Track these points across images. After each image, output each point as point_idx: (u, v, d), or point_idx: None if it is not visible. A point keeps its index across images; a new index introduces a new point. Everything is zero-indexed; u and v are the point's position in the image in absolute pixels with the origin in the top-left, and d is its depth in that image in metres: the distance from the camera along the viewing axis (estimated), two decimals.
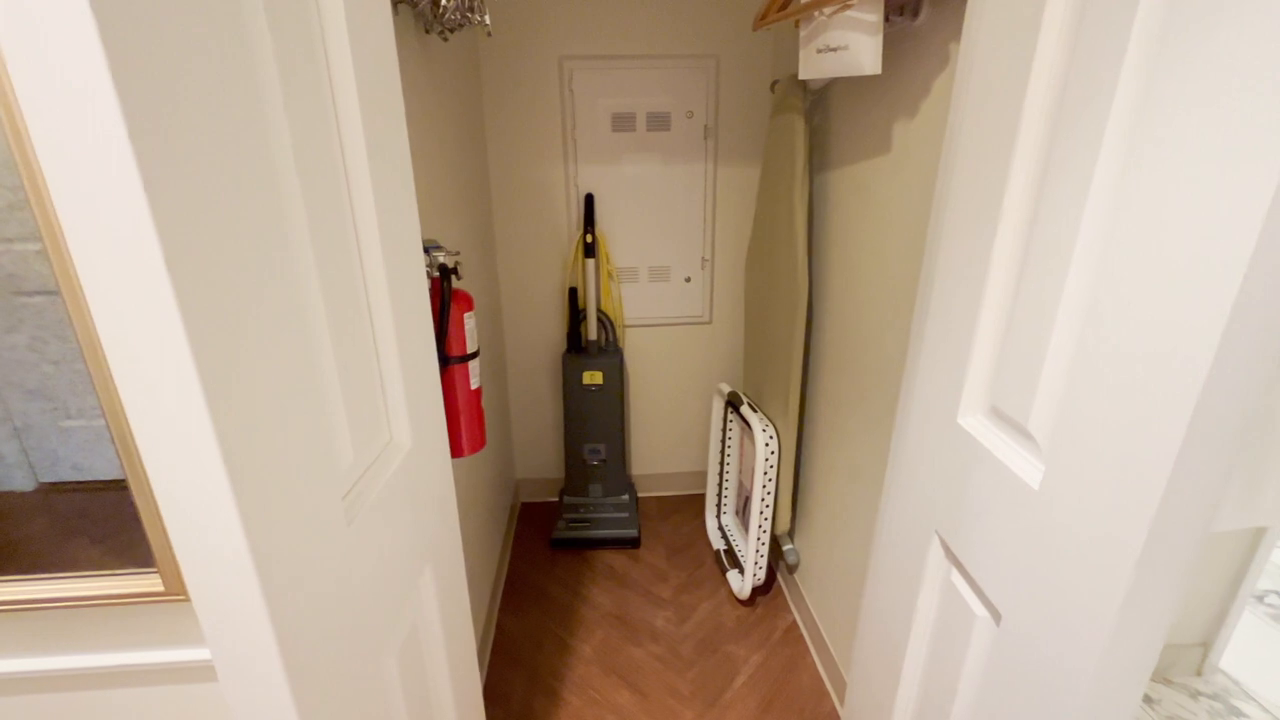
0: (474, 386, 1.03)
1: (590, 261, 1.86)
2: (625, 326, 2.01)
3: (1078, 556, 0.50)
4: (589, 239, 1.84)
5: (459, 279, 1.00)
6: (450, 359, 0.98)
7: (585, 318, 1.93)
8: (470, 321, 1.00)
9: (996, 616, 0.63)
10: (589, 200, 1.83)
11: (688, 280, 1.98)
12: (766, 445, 1.53)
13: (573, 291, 1.91)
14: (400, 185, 0.64)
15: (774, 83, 1.52)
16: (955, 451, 0.69)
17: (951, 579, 0.72)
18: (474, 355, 1.02)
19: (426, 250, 0.97)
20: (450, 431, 1.01)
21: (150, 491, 0.55)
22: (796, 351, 1.46)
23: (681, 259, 1.96)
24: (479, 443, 1.07)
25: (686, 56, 1.75)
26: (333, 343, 0.50)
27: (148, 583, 0.64)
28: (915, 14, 0.97)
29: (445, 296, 0.95)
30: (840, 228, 1.33)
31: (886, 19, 0.96)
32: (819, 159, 1.43)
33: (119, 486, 0.58)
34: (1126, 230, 0.46)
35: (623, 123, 1.80)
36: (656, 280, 1.97)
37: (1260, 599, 1.67)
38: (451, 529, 0.78)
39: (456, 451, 1.02)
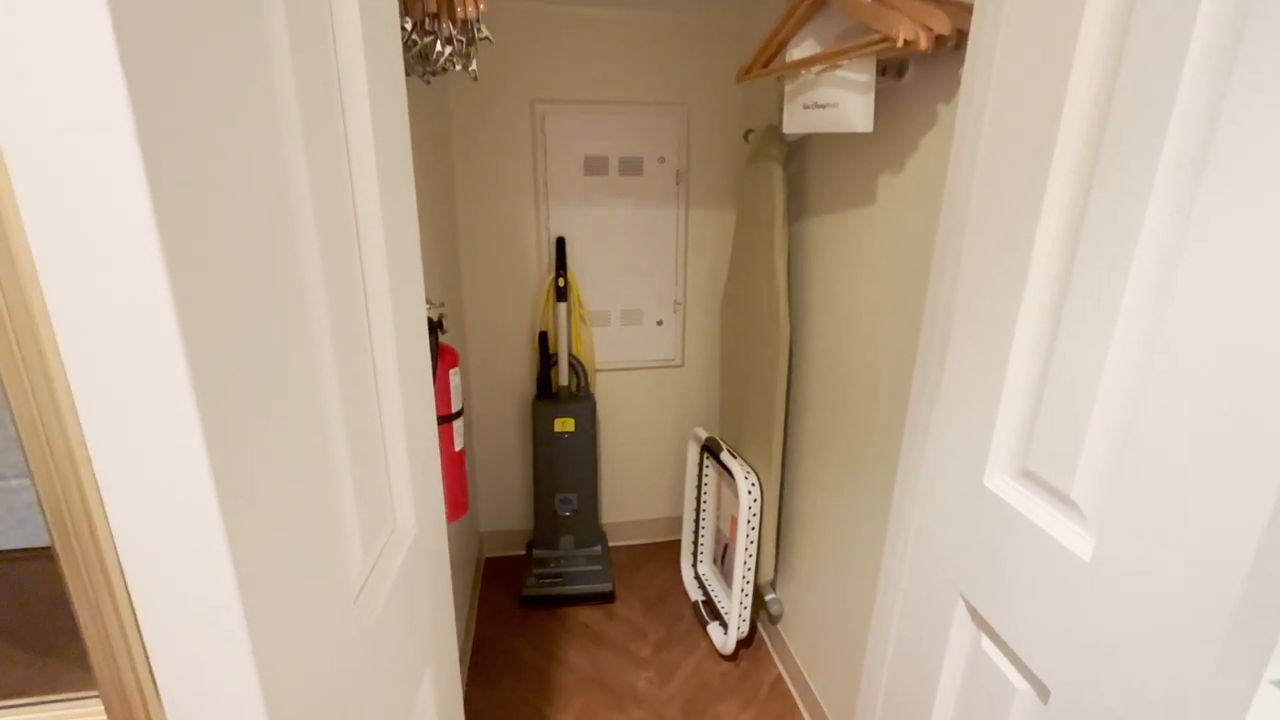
0: (458, 448, 0.95)
1: (562, 305, 1.81)
2: (597, 370, 1.97)
3: (1146, 638, 0.49)
4: (560, 282, 1.80)
5: (444, 332, 0.94)
6: (437, 419, 0.91)
7: (556, 363, 1.87)
8: (456, 378, 0.94)
9: (1043, 693, 0.61)
10: (560, 243, 1.80)
11: (660, 323, 1.96)
12: (749, 493, 1.50)
13: (543, 335, 1.86)
14: (409, 250, 0.59)
15: (748, 132, 1.54)
16: (982, 514, 0.68)
17: (982, 646, 0.70)
18: (459, 414, 0.95)
19: None
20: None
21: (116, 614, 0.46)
22: (779, 396, 1.45)
23: (654, 302, 1.94)
24: (462, 508, 0.99)
25: (659, 103, 1.77)
26: (346, 429, 0.44)
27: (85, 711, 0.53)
28: (900, 75, 1.00)
29: (433, 353, 0.88)
30: (822, 274, 1.34)
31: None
32: (796, 206, 1.45)
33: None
34: (1188, 288, 0.45)
35: (595, 166, 1.79)
36: (629, 323, 1.94)
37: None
38: (448, 620, 0.70)
39: None
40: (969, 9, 0.77)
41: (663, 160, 1.82)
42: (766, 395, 1.49)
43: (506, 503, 2.06)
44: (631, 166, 1.81)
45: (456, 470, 0.97)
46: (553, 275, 1.82)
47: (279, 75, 0.37)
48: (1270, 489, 0.41)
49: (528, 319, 1.89)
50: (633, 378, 2.00)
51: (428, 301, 0.93)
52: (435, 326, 0.91)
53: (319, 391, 0.40)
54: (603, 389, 1.99)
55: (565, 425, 1.85)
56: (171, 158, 0.26)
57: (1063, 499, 0.58)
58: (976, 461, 0.68)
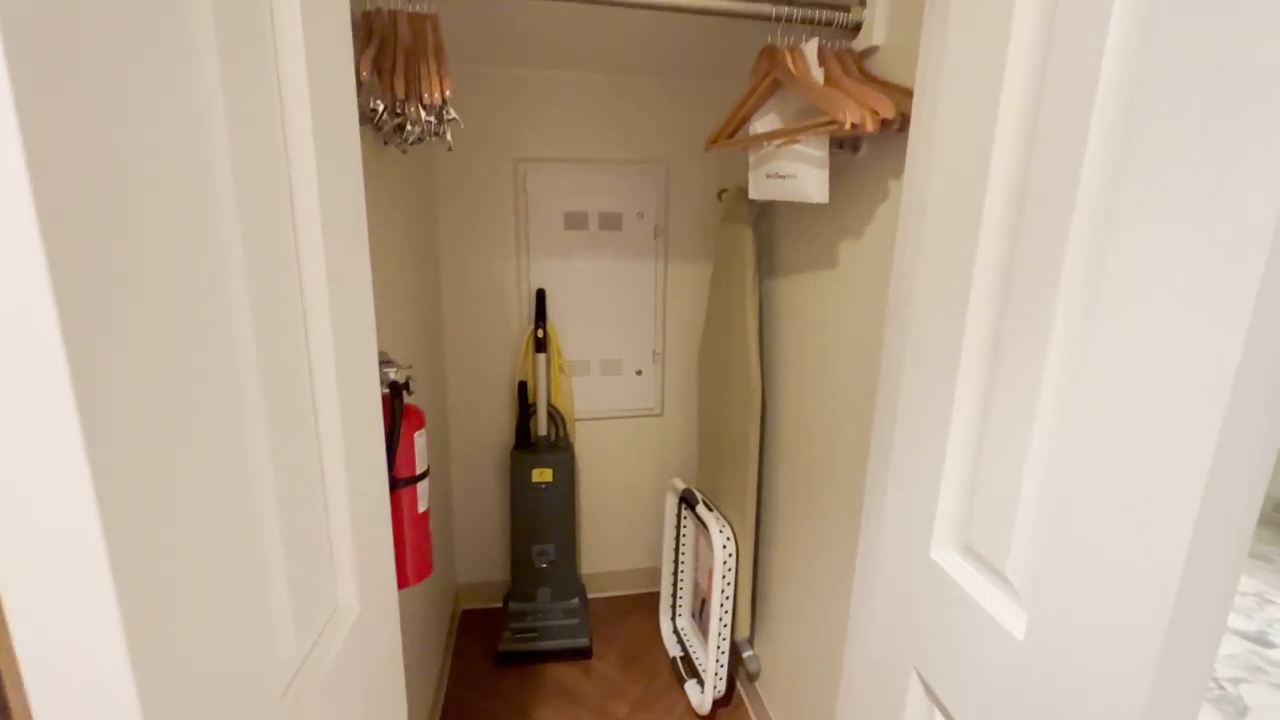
0: (421, 510, 0.95)
1: (541, 356, 1.83)
2: (576, 420, 1.97)
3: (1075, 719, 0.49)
4: (540, 333, 1.82)
5: (410, 394, 0.95)
6: (398, 482, 0.91)
7: (535, 412, 1.88)
8: (421, 440, 0.94)
9: None
10: (540, 295, 1.83)
11: (639, 373, 1.98)
12: (724, 547, 1.49)
13: (522, 386, 1.87)
14: (361, 318, 0.61)
15: (721, 191, 1.60)
16: (930, 586, 0.68)
17: None
18: (423, 476, 0.95)
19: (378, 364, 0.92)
20: (396, 563, 0.92)
21: None
22: (752, 450, 1.46)
23: (633, 352, 1.96)
24: (425, 570, 0.99)
25: (638, 161, 1.83)
26: (280, 510, 0.45)
27: None
28: (855, 149, 1.05)
29: (396, 415, 0.89)
30: (792, 333, 1.37)
31: (829, 151, 1.04)
32: (768, 264, 1.49)
33: None
34: (1091, 371, 0.48)
35: (575, 221, 1.84)
36: (608, 373, 1.96)
37: None
38: (398, 703, 0.69)
39: (400, 582, 0.93)
40: (911, 94, 0.82)
41: (642, 216, 1.88)
42: (740, 450, 1.50)
43: (485, 554, 2.04)
44: (611, 221, 1.86)
45: (420, 532, 0.97)
46: (532, 326, 1.85)
47: (214, 143, 0.39)
48: (1172, 577, 0.42)
49: (508, 370, 1.90)
50: (612, 427, 2.01)
51: (394, 363, 0.95)
52: (401, 388, 0.92)
53: (246, 471, 0.41)
54: (582, 438, 2.00)
55: (543, 475, 1.85)
56: (77, 247, 0.28)
57: (999, 576, 0.59)
58: (923, 533, 0.69)
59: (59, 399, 0.26)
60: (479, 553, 2.03)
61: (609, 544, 2.11)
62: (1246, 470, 0.40)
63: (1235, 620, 0.94)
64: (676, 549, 1.84)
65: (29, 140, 0.25)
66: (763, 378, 1.48)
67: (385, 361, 0.93)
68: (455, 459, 1.94)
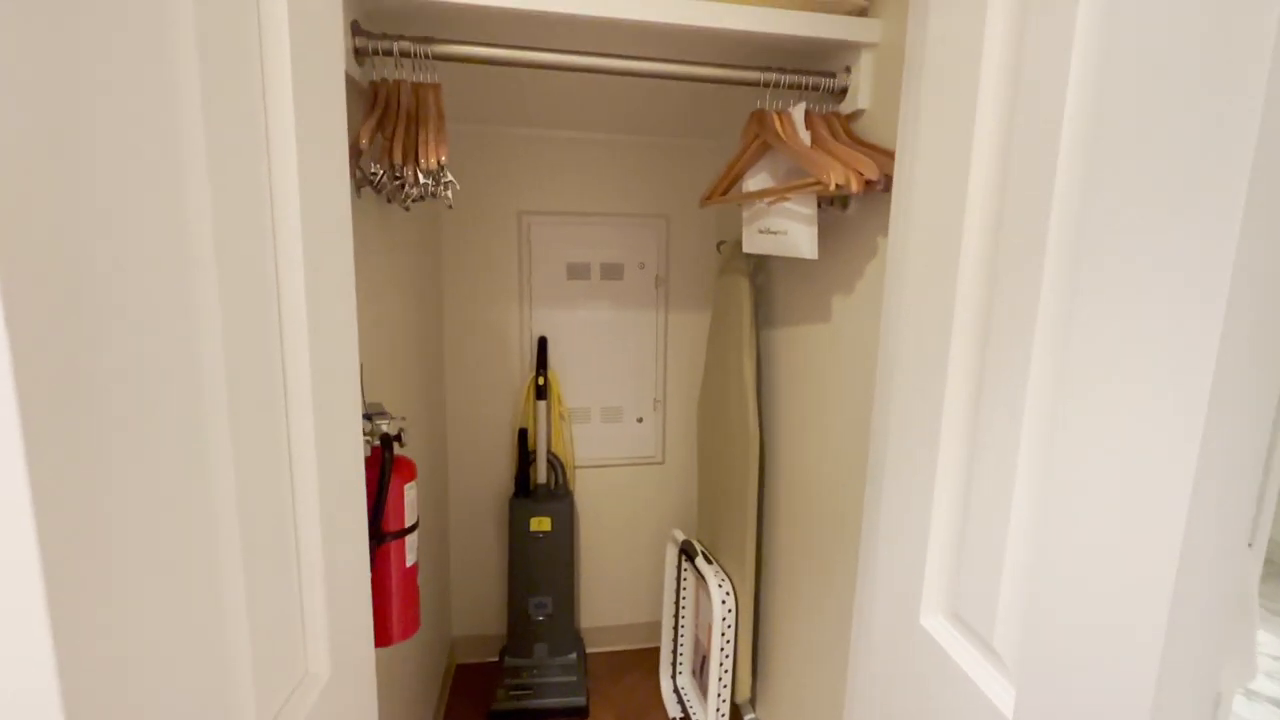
0: (409, 564, 0.95)
1: (541, 403, 1.84)
2: (576, 467, 1.96)
3: None
4: (541, 381, 1.83)
5: (402, 445, 0.96)
6: (386, 535, 0.91)
7: (535, 459, 1.87)
8: (411, 492, 0.94)
9: None
10: (542, 343, 1.85)
11: (640, 421, 1.98)
12: (723, 603, 1.45)
13: (522, 433, 1.87)
14: (345, 378, 0.62)
15: (720, 243, 1.63)
16: (921, 654, 0.66)
17: None
18: (412, 529, 0.95)
19: (369, 417, 0.93)
20: (379, 616, 0.91)
21: None
22: (750, 502, 1.44)
23: (634, 399, 1.97)
24: (412, 626, 0.97)
25: (639, 215, 1.88)
26: (246, 572, 0.45)
27: None
28: (844, 206, 1.08)
29: (385, 468, 0.89)
30: (788, 383, 1.37)
31: (820, 207, 1.06)
32: (764, 314, 1.50)
33: None
34: (1064, 444, 0.47)
35: (578, 271, 1.87)
36: (609, 420, 1.96)
37: None
38: None
39: (384, 639, 0.92)
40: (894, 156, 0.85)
41: (643, 266, 1.91)
42: (739, 502, 1.47)
43: (482, 606, 2.00)
44: (613, 272, 1.89)
45: (408, 587, 0.95)
46: (534, 373, 1.86)
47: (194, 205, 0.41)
48: (1154, 651, 0.41)
49: (509, 416, 1.91)
50: (613, 474, 2.00)
51: (386, 415, 0.96)
52: (392, 440, 0.93)
53: (211, 536, 0.41)
54: (582, 486, 1.98)
55: (541, 524, 1.83)
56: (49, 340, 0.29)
57: (986, 646, 0.57)
58: (913, 599, 0.67)
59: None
60: (475, 605, 1.99)
61: (608, 596, 2.06)
62: (1220, 542, 0.39)
63: (1265, 685, 0.89)
64: (677, 603, 1.79)
65: None
66: (761, 427, 1.47)
67: (378, 413, 0.94)
68: (454, 507, 1.93)
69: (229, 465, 0.43)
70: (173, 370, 0.37)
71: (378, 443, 0.91)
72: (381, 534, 0.90)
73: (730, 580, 1.49)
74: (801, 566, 1.31)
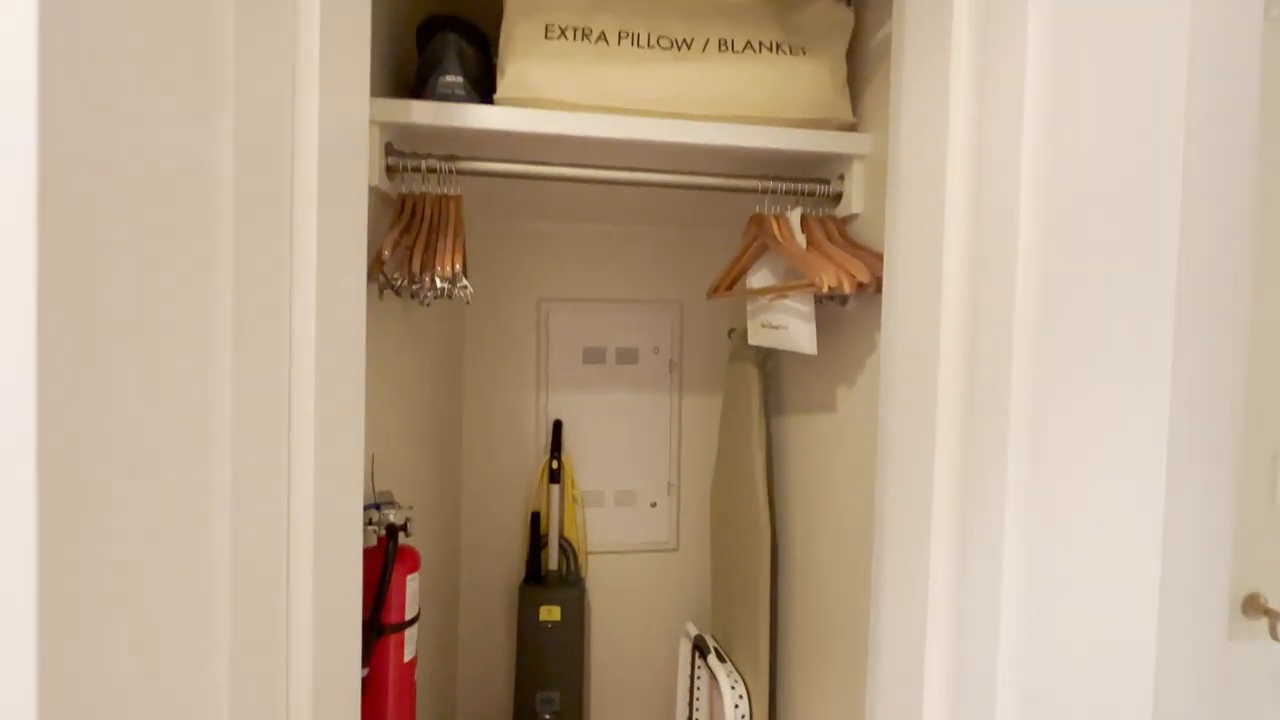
0: (408, 658, 0.94)
1: (555, 487, 1.84)
2: (589, 553, 1.93)
3: None
4: (555, 464, 1.85)
5: (408, 535, 0.97)
6: (386, 628, 0.91)
7: (547, 544, 1.86)
8: (413, 584, 0.95)
9: None
10: (557, 426, 1.88)
11: (654, 505, 1.96)
12: (736, 707, 1.38)
13: (535, 516, 1.87)
14: (350, 480, 0.65)
15: (731, 330, 1.67)
16: None
17: None
18: (412, 621, 0.95)
19: (377, 506, 0.95)
20: (373, 713, 0.89)
21: None
22: (763, 598, 1.39)
23: (648, 483, 1.96)
24: None
25: (654, 301, 1.95)
26: (230, 661, 0.46)
27: None
28: (843, 302, 1.11)
29: (389, 559, 0.91)
30: (798, 474, 1.36)
31: (819, 302, 1.10)
32: (774, 402, 1.51)
33: None
34: (1044, 580, 0.47)
35: (593, 356, 1.93)
36: (622, 504, 1.95)
37: None
38: None
39: None
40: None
41: (657, 351, 1.96)
42: (752, 596, 1.43)
43: (489, 700, 1.92)
44: (628, 356, 1.94)
45: (404, 683, 0.94)
46: (548, 456, 1.88)
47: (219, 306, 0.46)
48: None
49: (522, 499, 1.91)
50: (626, 562, 1.96)
51: (394, 504, 0.99)
52: (398, 530, 0.95)
53: (201, 625, 0.43)
54: (594, 574, 1.94)
55: (551, 614, 1.78)
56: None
57: None
58: (914, 712, 0.65)
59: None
60: (482, 699, 1.92)
61: (619, 692, 1.97)
62: (1197, 637, 0.38)
63: None
64: (690, 703, 1.70)
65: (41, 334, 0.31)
66: (773, 518, 1.45)
67: (386, 502, 0.97)
68: (465, 593, 1.91)
69: (225, 559, 0.46)
70: (179, 454, 0.41)
71: (383, 532, 0.94)
72: (381, 626, 0.90)
73: (744, 681, 1.42)
74: (816, 667, 1.25)
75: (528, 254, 1.89)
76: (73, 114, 0.31)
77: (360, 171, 0.69)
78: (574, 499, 1.91)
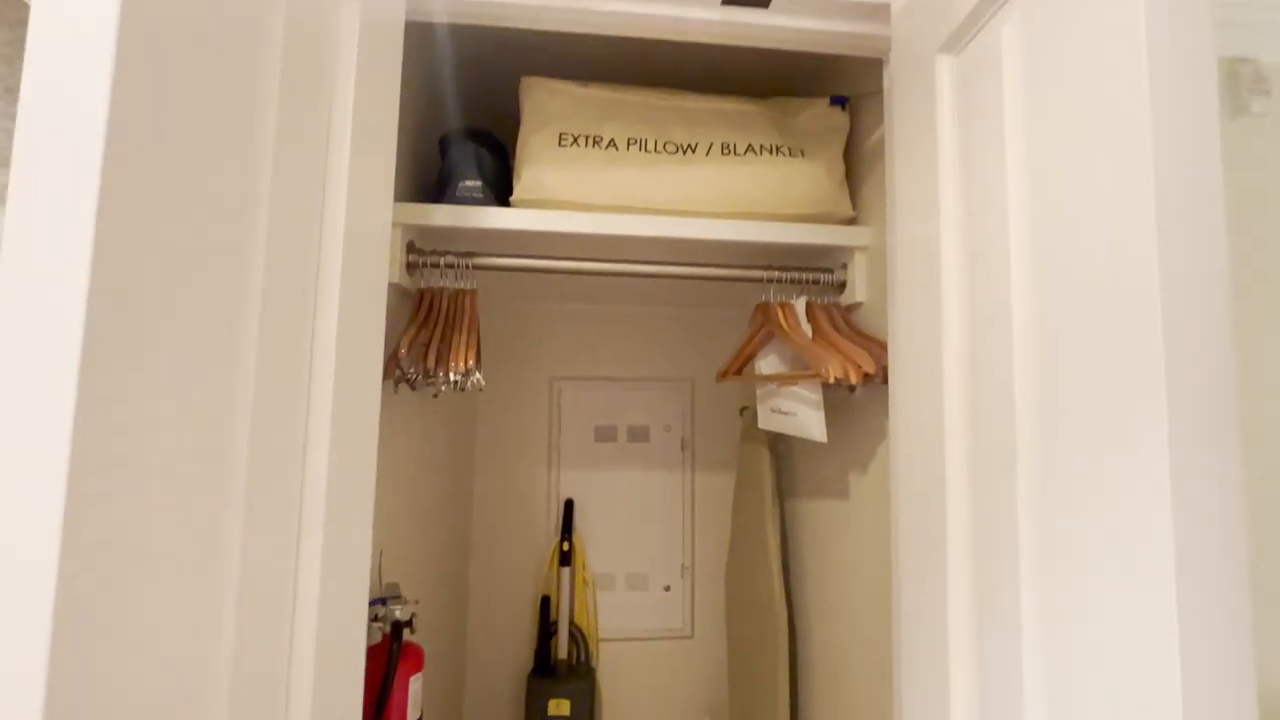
0: None
1: (566, 570, 1.80)
2: (600, 640, 1.86)
3: None
4: (565, 546, 1.82)
5: (413, 632, 0.95)
6: None
7: (556, 631, 1.80)
8: (416, 684, 0.92)
9: None
10: (569, 506, 1.86)
11: (667, 589, 1.90)
12: None
13: (544, 601, 1.82)
14: (355, 583, 0.65)
15: (742, 408, 1.67)
16: None
17: None
18: None
19: (382, 601, 0.94)
20: None
21: None
22: (782, 690, 1.32)
23: (660, 566, 1.91)
24: None
25: (665, 379, 1.97)
26: None
27: None
28: (851, 389, 1.12)
29: (392, 660, 0.89)
30: (814, 560, 1.33)
31: (827, 388, 1.10)
32: (787, 484, 1.49)
33: None
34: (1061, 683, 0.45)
35: (605, 434, 1.93)
36: (634, 588, 1.89)
37: None
38: None
39: None
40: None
41: (669, 428, 1.96)
42: (769, 688, 1.36)
43: None
44: (639, 434, 1.94)
45: None
46: (558, 538, 1.85)
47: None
48: None
49: (531, 584, 1.87)
50: (638, 650, 1.88)
51: (400, 599, 0.97)
52: (403, 627, 0.93)
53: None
54: (606, 663, 1.86)
55: (560, 707, 1.70)
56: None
57: None
58: None
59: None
60: None
61: None
62: None
63: None
64: None
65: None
66: (790, 604, 1.40)
67: (392, 597, 0.96)
68: (471, 686, 1.83)
69: (226, 654, 0.45)
70: (188, 543, 0.42)
71: (388, 629, 0.92)
72: None
73: None
74: None
75: (540, 334, 1.94)
76: (132, 200, 0.35)
77: (380, 273, 0.73)
78: (585, 582, 1.86)
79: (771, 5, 0.82)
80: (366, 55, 0.62)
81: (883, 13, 0.82)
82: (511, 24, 0.83)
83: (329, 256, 0.61)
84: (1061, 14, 0.49)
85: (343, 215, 0.62)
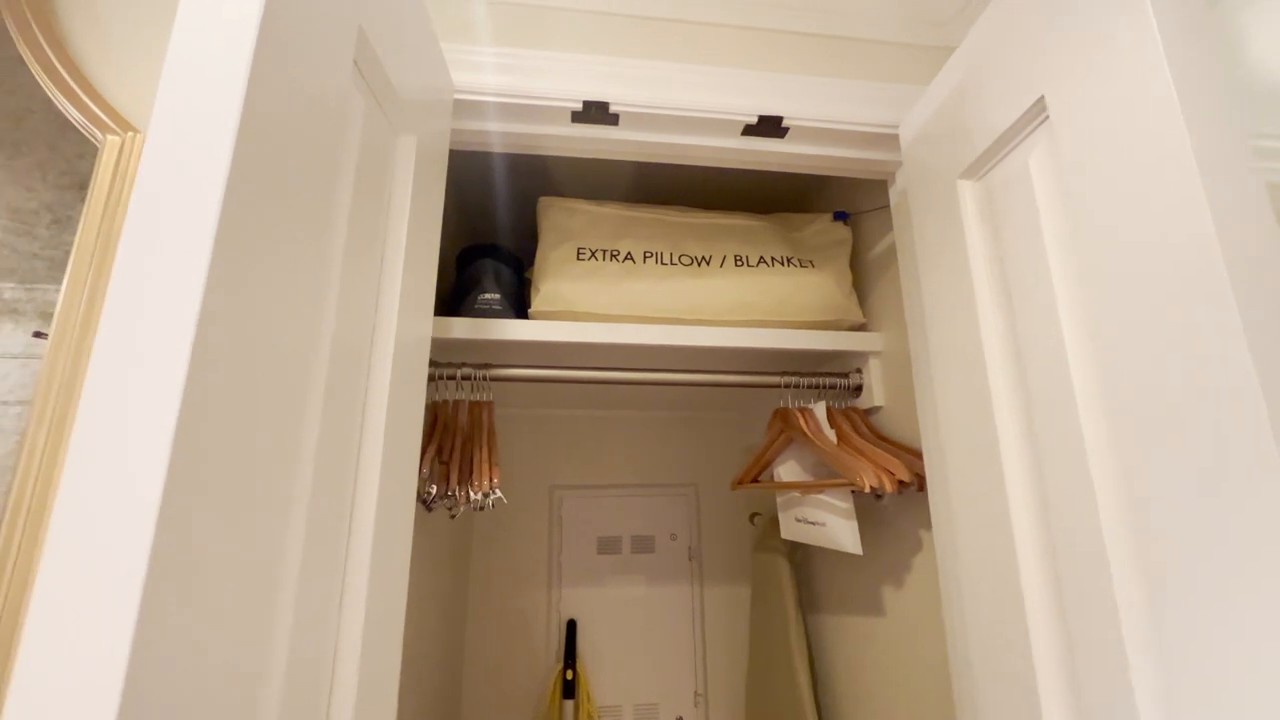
0: None
1: (569, 703, 1.64)
2: None
3: None
4: (569, 675, 1.66)
5: None
6: None
7: None
8: None
9: None
10: (571, 628, 1.73)
11: None
12: None
13: None
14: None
15: (753, 515, 1.61)
16: None
17: None
18: None
19: None
20: None
21: None
22: None
23: (671, 693, 1.75)
24: None
25: (669, 485, 1.91)
26: None
27: None
28: (879, 496, 1.09)
29: None
30: (847, 678, 1.22)
31: (854, 494, 1.07)
32: (809, 596, 1.41)
33: None
34: None
35: (608, 545, 1.84)
36: None
37: None
38: None
39: None
40: (920, 455, 0.88)
41: (674, 537, 1.87)
42: None
43: None
44: (644, 544, 1.85)
45: None
46: (561, 666, 1.70)
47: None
48: None
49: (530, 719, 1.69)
50: None
51: None
52: None
53: None
54: None
55: None
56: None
57: None
58: None
59: None
60: None
61: None
62: None
63: None
64: None
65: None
66: None
67: None
68: None
69: None
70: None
71: None
72: None
73: None
74: None
75: (542, 441, 1.89)
76: (229, 323, 0.36)
77: (420, 384, 0.71)
78: (590, 716, 1.68)
79: (787, 136, 0.88)
80: (420, 179, 0.64)
81: (890, 142, 0.89)
82: (553, 153, 0.87)
83: (379, 368, 0.59)
84: (1094, 155, 0.53)
85: (393, 328, 0.60)
